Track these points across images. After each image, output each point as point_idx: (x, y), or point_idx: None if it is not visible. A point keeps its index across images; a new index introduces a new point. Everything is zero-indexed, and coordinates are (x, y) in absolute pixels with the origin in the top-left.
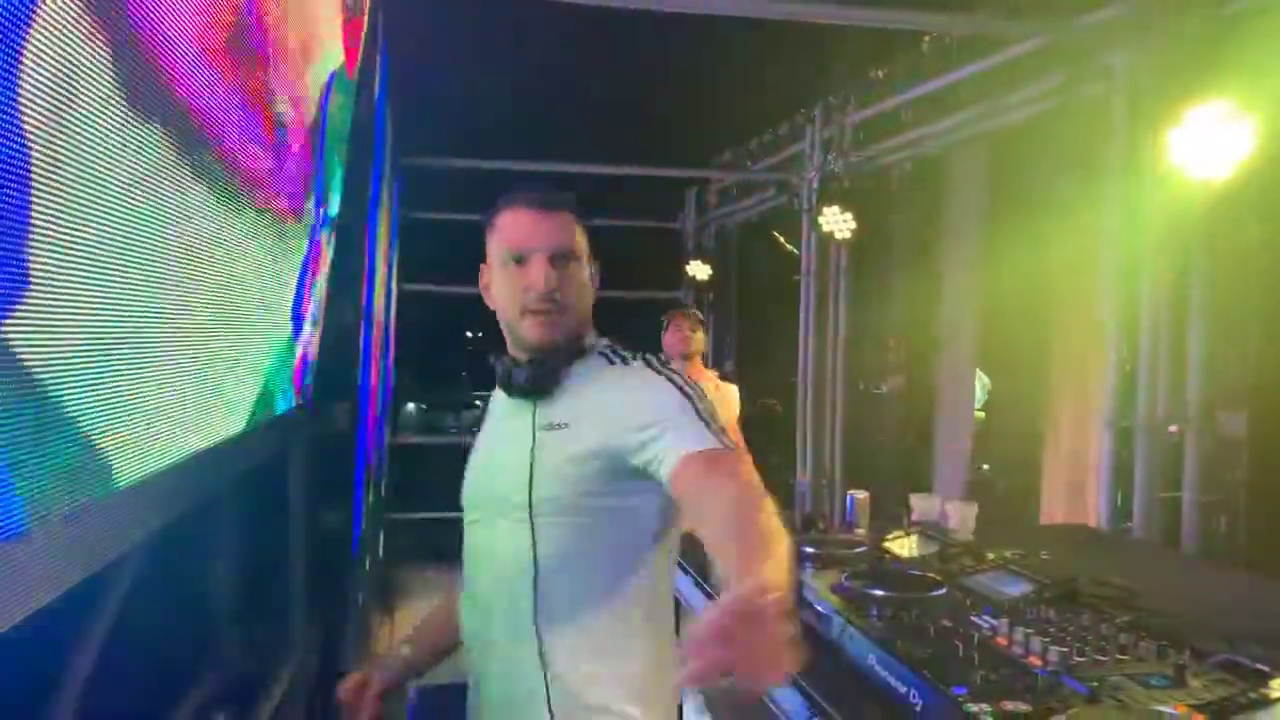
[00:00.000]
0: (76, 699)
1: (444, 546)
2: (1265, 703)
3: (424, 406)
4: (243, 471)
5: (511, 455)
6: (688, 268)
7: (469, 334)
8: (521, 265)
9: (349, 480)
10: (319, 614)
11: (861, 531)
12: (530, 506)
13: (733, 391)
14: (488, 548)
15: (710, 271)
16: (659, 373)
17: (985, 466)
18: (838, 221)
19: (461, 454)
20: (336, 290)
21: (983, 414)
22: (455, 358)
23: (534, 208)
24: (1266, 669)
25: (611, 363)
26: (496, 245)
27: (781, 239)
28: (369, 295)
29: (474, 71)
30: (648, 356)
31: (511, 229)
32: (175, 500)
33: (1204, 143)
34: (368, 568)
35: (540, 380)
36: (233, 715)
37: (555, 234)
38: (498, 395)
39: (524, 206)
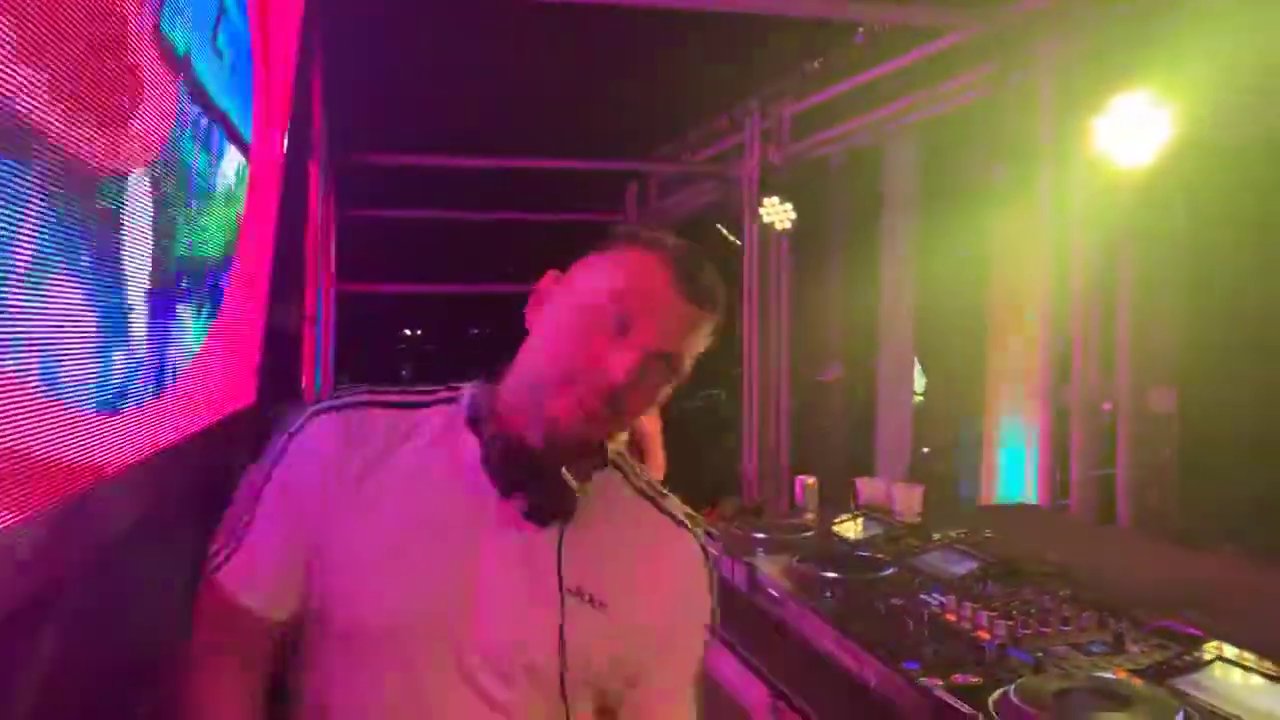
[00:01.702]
0: None
1: None
2: (1199, 664)
3: None
4: (186, 479)
5: (512, 584)
6: None
7: (406, 331)
8: (612, 333)
9: None
10: None
11: (810, 516)
12: (563, 681)
13: None
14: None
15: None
16: (699, 552)
17: (925, 449)
18: (778, 212)
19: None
20: (278, 293)
21: (922, 398)
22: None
23: (685, 293)
24: (1199, 633)
25: (630, 484)
26: (600, 283)
27: (724, 230)
28: (309, 296)
29: (410, 66)
30: (666, 494)
31: (639, 288)
32: (119, 511)
33: (1126, 130)
34: None
35: (566, 510)
36: None
37: (681, 337)
38: (463, 470)
39: (674, 281)
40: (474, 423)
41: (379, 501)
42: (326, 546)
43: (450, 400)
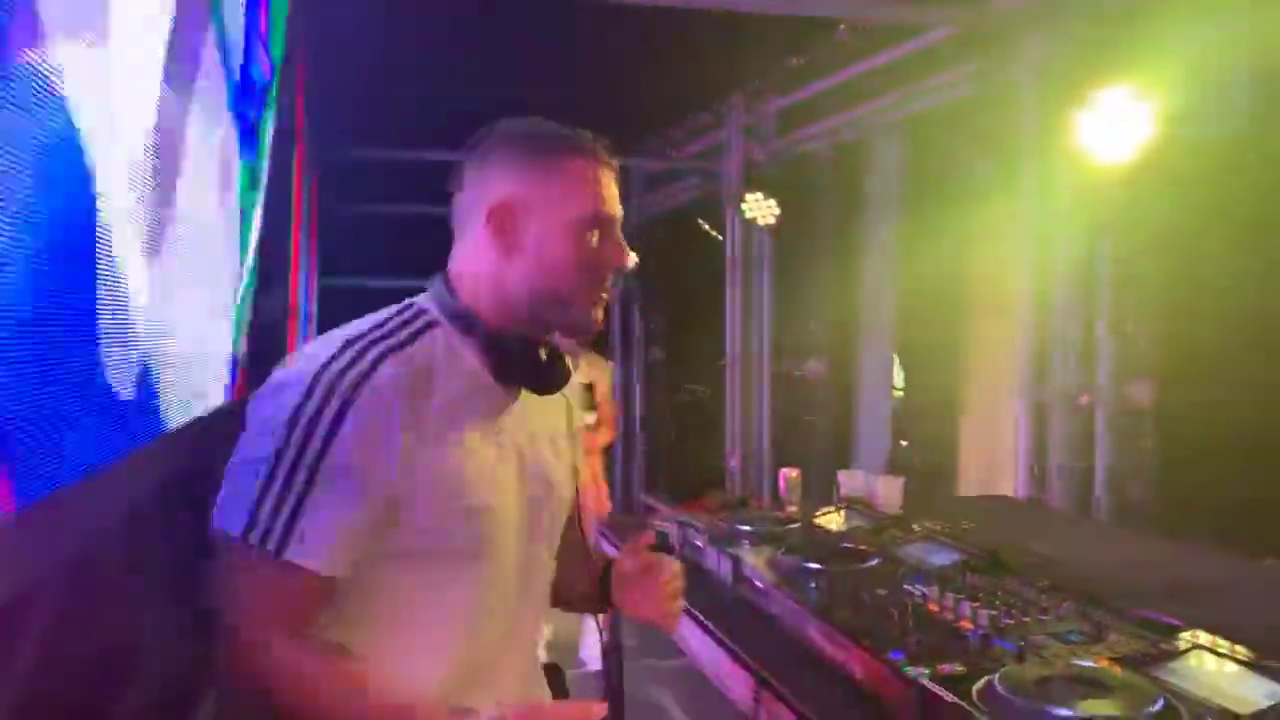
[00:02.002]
0: None
1: None
2: (1176, 653)
3: None
4: (172, 474)
5: (556, 463)
6: None
7: None
8: (601, 233)
9: None
10: None
11: (793, 508)
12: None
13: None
14: (520, 586)
15: (636, 258)
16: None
17: (905, 442)
18: (761, 208)
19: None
20: (264, 285)
21: (901, 392)
22: None
23: (611, 166)
24: (1177, 622)
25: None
26: (565, 195)
27: (706, 226)
28: (294, 291)
29: (394, 58)
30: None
31: (596, 186)
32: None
33: (1108, 126)
34: None
35: (567, 379)
36: None
37: (619, 201)
38: (460, 379)
39: (604, 161)
40: (469, 332)
41: (442, 432)
42: (408, 490)
43: (428, 323)
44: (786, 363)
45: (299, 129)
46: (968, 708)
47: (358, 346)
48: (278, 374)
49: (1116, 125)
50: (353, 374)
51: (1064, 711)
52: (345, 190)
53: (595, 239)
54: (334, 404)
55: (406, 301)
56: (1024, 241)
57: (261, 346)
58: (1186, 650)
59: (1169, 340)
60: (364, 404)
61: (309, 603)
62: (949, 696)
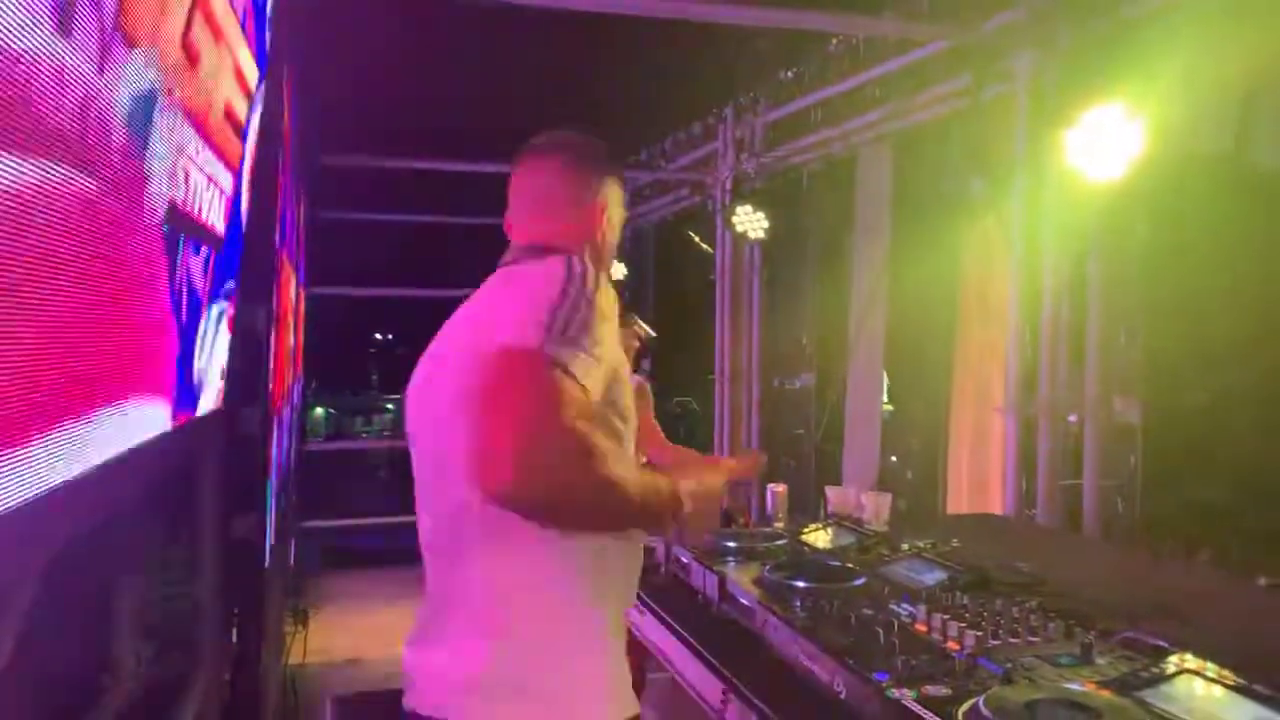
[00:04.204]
0: None
1: (355, 553)
2: (1165, 676)
3: (333, 411)
4: (153, 480)
5: None
6: None
7: (377, 335)
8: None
9: (260, 487)
10: (230, 625)
11: (780, 524)
12: None
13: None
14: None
15: (626, 270)
16: None
17: (893, 458)
18: (750, 221)
19: (387, 458)
20: (247, 295)
21: (890, 408)
22: (364, 361)
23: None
24: (1165, 644)
25: None
26: (617, 200)
27: (696, 238)
28: (278, 299)
29: (383, 69)
30: None
31: (623, 196)
32: (80, 513)
33: (1098, 143)
34: (280, 576)
35: None
36: None
37: None
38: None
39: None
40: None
41: (617, 344)
42: (613, 372)
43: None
44: (777, 376)
45: (285, 135)
46: None
47: (578, 271)
48: (524, 289)
49: (1106, 142)
50: (591, 281)
51: None
52: (336, 199)
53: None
54: (589, 291)
55: (561, 258)
56: (1013, 257)
57: (246, 356)
58: (1175, 674)
59: (1157, 357)
60: (602, 302)
61: (583, 411)
62: (935, 719)
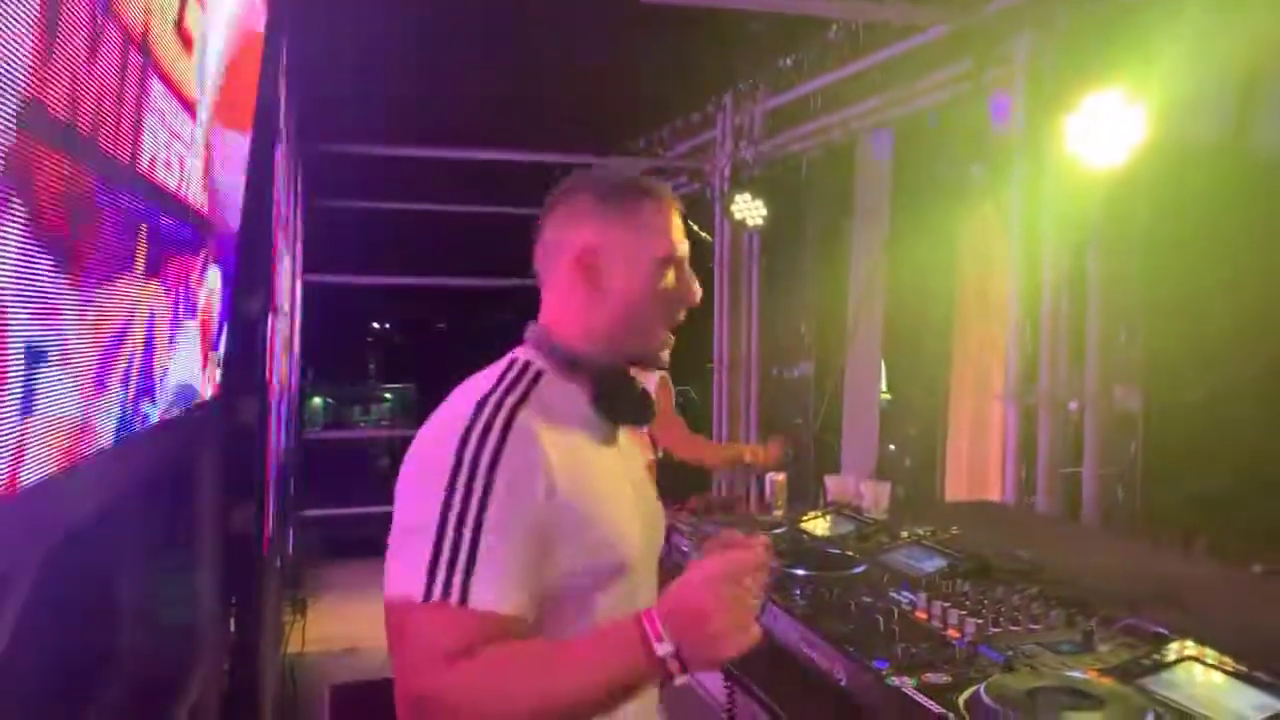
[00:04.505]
0: None
1: (354, 542)
2: (1166, 664)
3: (331, 401)
4: (150, 470)
5: (648, 497)
6: None
7: (375, 325)
8: (672, 271)
9: (258, 477)
10: (229, 614)
11: (779, 513)
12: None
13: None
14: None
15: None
16: None
17: (891, 446)
18: (749, 209)
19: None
20: (244, 283)
21: (889, 396)
22: (363, 350)
23: (679, 207)
24: (1166, 631)
25: None
26: (642, 239)
27: (695, 226)
28: (276, 287)
29: (381, 56)
30: None
31: (669, 227)
32: (79, 501)
33: (1098, 129)
34: (278, 566)
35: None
36: None
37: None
38: (576, 417)
39: (673, 204)
40: (574, 375)
41: (575, 470)
42: (556, 530)
43: (537, 373)
44: (776, 365)
45: (282, 122)
46: (955, 718)
47: (491, 404)
48: (422, 446)
49: (1106, 128)
50: (495, 433)
51: None
52: (331, 186)
53: (670, 276)
54: (484, 462)
55: (509, 358)
56: (1012, 245)
57: (242, 344)
58: (1176, 661)
59: (1157, 345)
60: (512, 456)
61: (490, 640)
62: (935, 707)
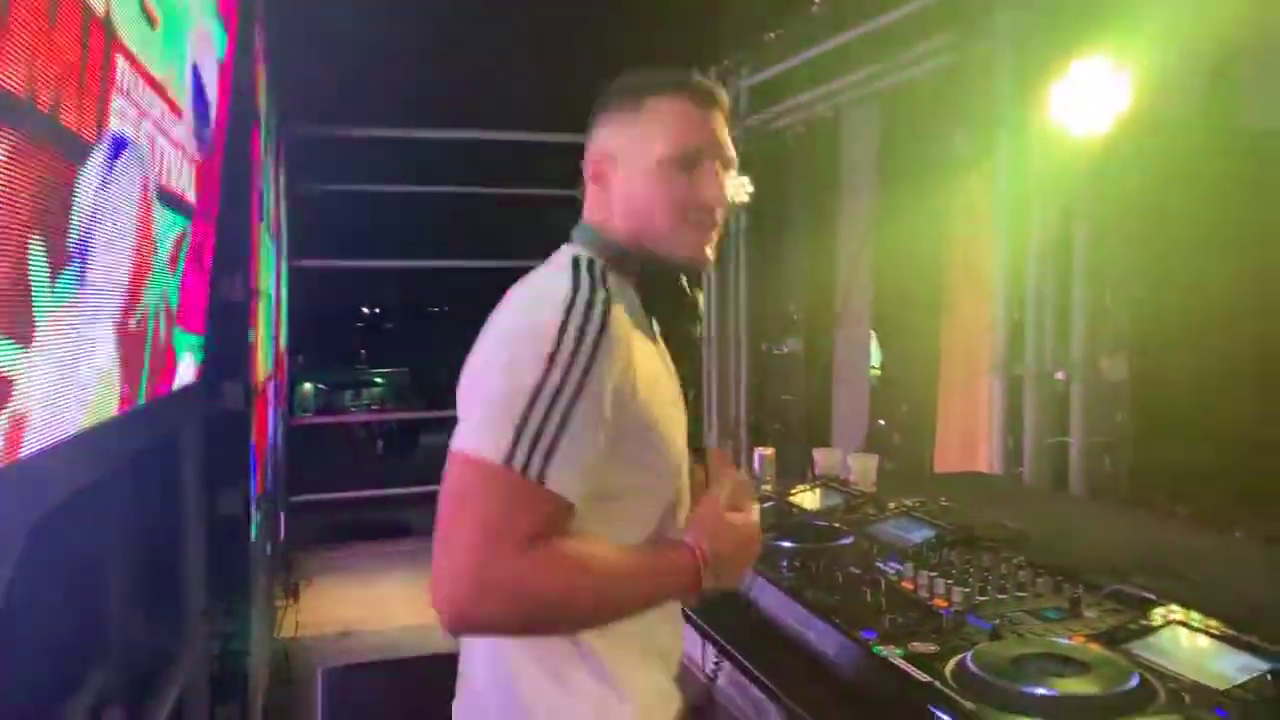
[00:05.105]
0: None
1: (346, 527)
2: (1152, 629)
3: (321, 386)
4: (131, 454)
5: (679, 400)
6: None
7: (364, 310)
8: (687, 170)
9: (244, 462)
10: (219, 600)
11: (768, 487)
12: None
13: None
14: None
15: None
16: None
17: (881, 421)
18: (736, 185)
19: (395, 429)
20: (224, 266)
21: (878, 370)
22: (351, 335)
23: (703, 102)
24: (1152, 597)
25: None
26: (649, 136)
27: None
28: (257, 271)
29: (364, 37)
30: None
31: (679, 124)
32: (57, 485)
33: (1083, 97)
34: (268, 551)
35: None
36: (127, 711)
37: (724, 136)
38: (634, 319)
39: (691, 97)
40: (625, 271)
41: (648, 374)
42: (633, 430)
43: (603, 269)
44: (765, 341)
45: (256, 104)
46: (941, 687)
47: (583, 297)
48: (520, 318)
49: (1092, 97)
50: (593, 325)
51: (1038, 690)
52: (316, 169)
53: (685, 177)
54: (585, 351)
55: (568, 255)
56: (999, 215)
57: (224, 328)
58: (1162, 626)
59: (1143, 314)
60: (608, 352)
61: (554, 526)
62: (922, 675)
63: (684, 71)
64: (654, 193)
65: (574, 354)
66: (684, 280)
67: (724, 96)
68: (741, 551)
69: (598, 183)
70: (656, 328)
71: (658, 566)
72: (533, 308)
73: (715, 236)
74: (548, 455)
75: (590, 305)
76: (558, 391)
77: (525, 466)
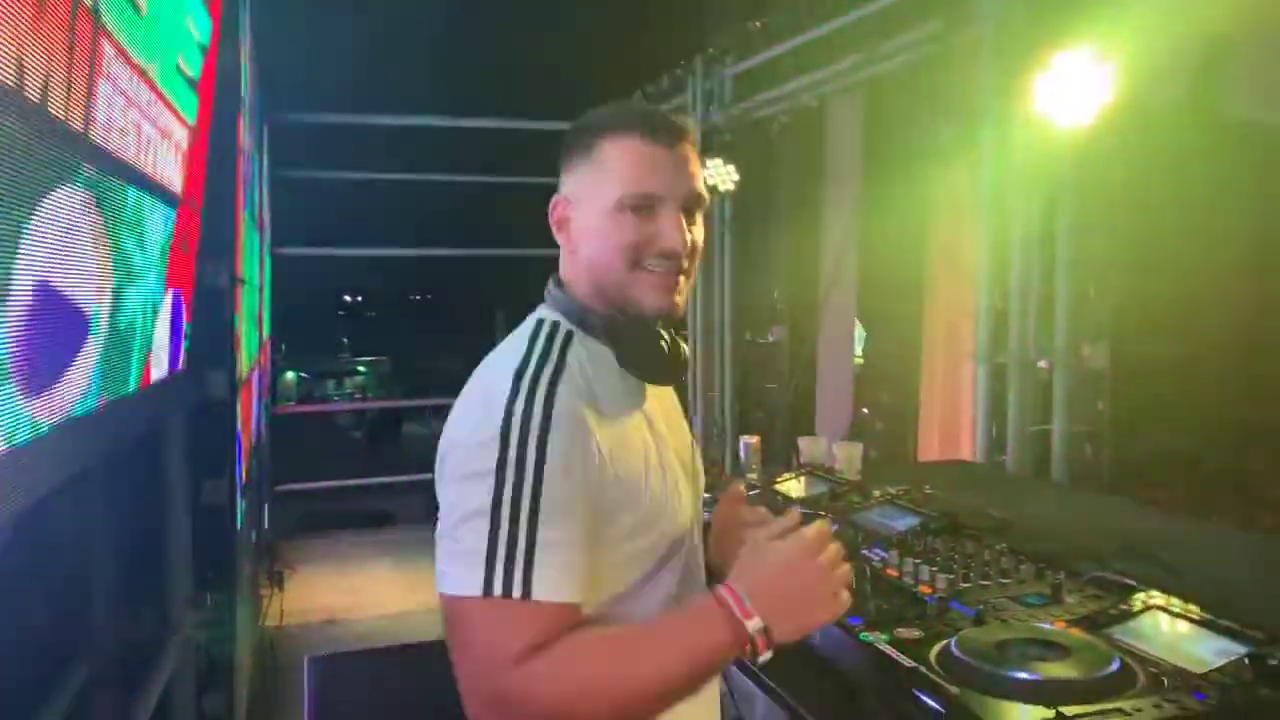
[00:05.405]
0: None
1: (329, 516)
2: (1132, 613)
3: (304, 375)
4: (115, 443)
5: (678, 468)
6: None
7: (347, 298)
8: (641, 214)
9: (228, 450)
10: (204, 589)
11: (753, 475)
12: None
13: None
14: (695, 569)
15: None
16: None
17: (865, 409)
18: (721, 174)
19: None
20: (207, 254)
21: (861, 359)
22: (334, 323)
23: (659, 139)
24: (1132, 582)
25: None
26: (600, 181)
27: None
28: (240, 259)
29: (347, 24)
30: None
31: (630, 165)
32: (42, 474)
33: (1066, 88)
34: (253, 540)
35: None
36: (116, 698)
37: (685, 175)
38: (608, 380)
39: (645, 136)
40: (593, 333)
41: (621, 439)
42: (608, 502)
43: (567, 334)
44: (749, 330)
45: (244, 91)
46: (926, 671)
47: (528, 379)
48: (460, 431)
49: (1074, 87)
50: (537, 415)
51: (1021, 674)
52: (300, 156)
53: (639, 221)
54: (531, 448)
55: (534, 319)
56: (983, 205)
57: (208, 315)
58: (1141, 611)
59: (1125, 303)
60: (558, 438)
61: (557, 628)
62: (907, 661)
63: (640, 108)
64: (608, 241)
65: (520, 453)
66: (660, 330)
67: (689, 128)
68: (792, 578)
69: (561, 231)
70: (642, 382)
71: (682, 625)
72: (486, 393)
73: (682, 283)
74: (526, 569)
75: (534, 387)
76: (515, 502)
77: (506, 590)
